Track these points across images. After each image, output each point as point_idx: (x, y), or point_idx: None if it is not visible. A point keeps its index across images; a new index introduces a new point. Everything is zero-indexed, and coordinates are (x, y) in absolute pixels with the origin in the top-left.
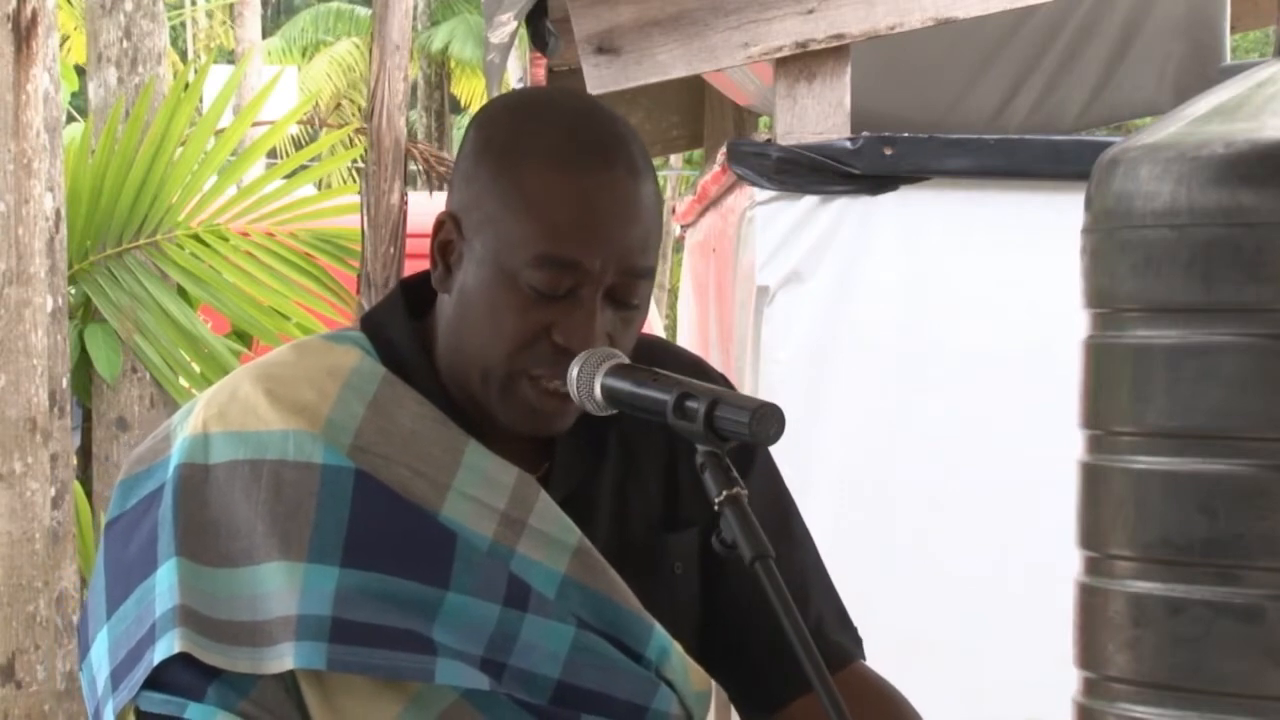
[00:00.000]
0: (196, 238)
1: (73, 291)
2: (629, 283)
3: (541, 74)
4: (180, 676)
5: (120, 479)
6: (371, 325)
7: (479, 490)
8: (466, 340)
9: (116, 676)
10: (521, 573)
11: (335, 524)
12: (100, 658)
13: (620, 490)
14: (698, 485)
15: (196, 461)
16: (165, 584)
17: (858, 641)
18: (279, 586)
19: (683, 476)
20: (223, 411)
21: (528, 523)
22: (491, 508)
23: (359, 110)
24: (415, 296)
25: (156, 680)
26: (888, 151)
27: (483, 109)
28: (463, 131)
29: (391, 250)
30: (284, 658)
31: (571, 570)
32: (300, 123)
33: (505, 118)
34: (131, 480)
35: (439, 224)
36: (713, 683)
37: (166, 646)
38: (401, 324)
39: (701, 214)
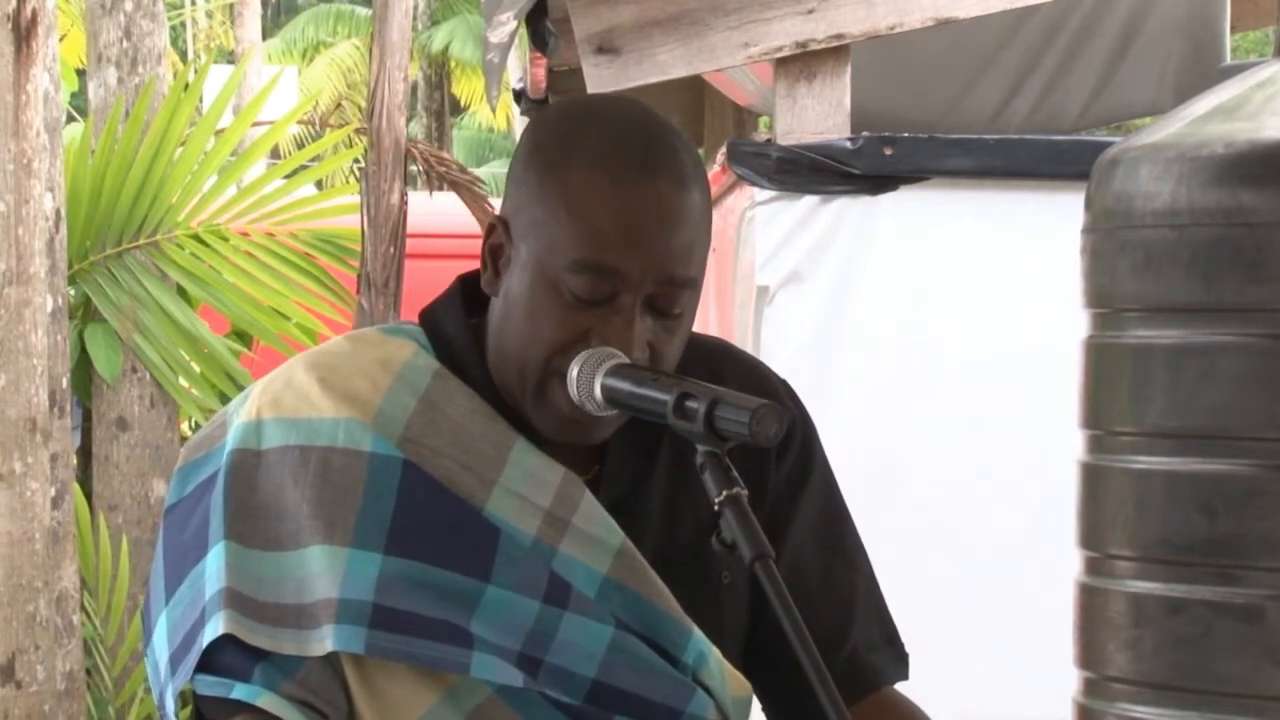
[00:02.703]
0: (196, 238)
1: (73, 291)
2: (670, 292)
3: (541, 74)
4: (229, 658)
5: (178, 466)
6: (429, 320)
7: (524, 488)
8: (508, 342)
9: (174, 660)
10: (563, 571)
11: (381, 511)
12: (160, 643)
13: (671, 498)
14: (750, 495)
15: (249, 447)
16: (214, 568)
17: (900, 660)
18: (322, 570)
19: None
20: (276, 399)
21: (571, 522)
22: (536, 505)
23: (360, 110)
24: (474, 293)
25: (208, 662)
26: (888, 151)
27: (538, 115)
28: (463, 132)
29: (391, 250)
30: (325, 640)
31: (613, 571)
32: (301, 123)
33: (557, 123)
34: (188, 467)
35: (490, 227)
36: None
37: (213, 629)
38: (457, 320)
39: None
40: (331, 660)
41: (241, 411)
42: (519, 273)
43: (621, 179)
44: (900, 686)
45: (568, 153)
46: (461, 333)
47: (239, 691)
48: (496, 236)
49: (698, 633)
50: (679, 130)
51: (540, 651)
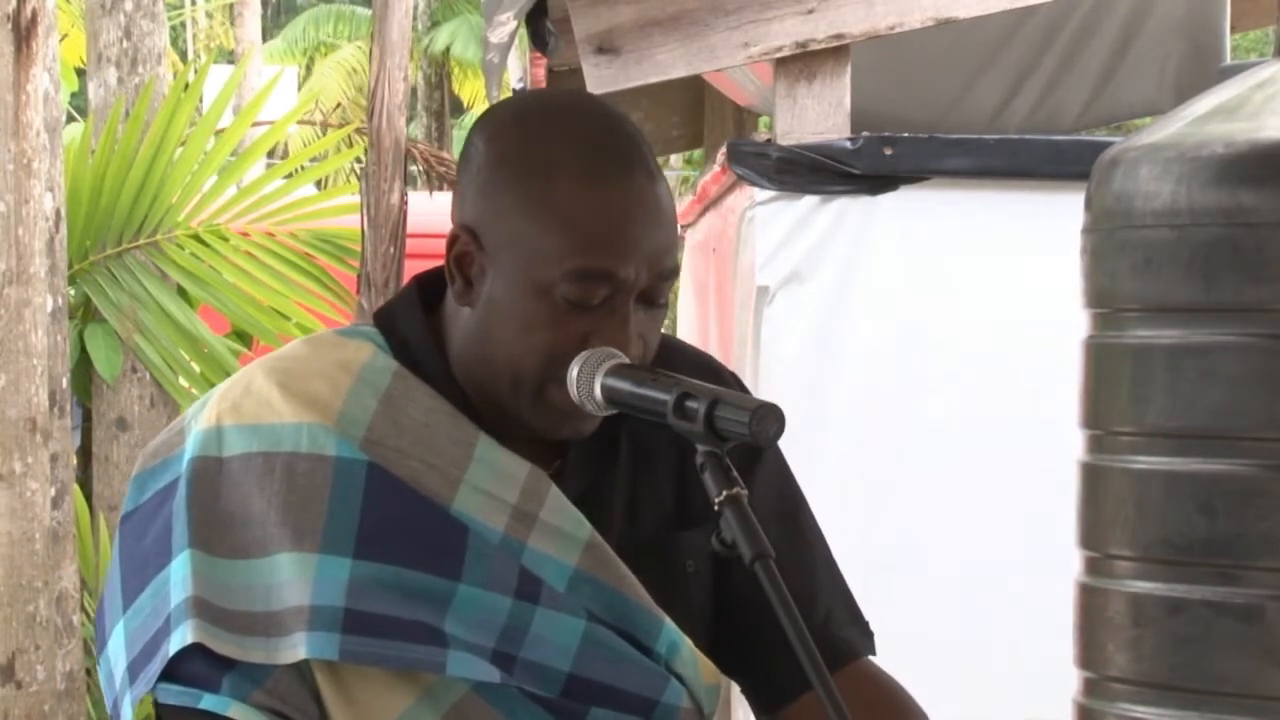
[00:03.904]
0: (196, 238)
1: (73, 291)
2: (658, 285)
3: (541, 74)
4: (195, 667)
5: (135, 473)
6: (385, 320)
7: (490, 484)
8: (497, 352)
9: (134, 669)
10: (533, 566)
11: (348, 515)
12: (117, 650)
13: (633, 488)
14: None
15: (210, 454)
16: (179, 576)
17: (867, 635)
18: (292, 577)
19: (693, 474)
20: (236, 405)
21: (539, 516)
22: (503, 501)
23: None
24: (429, 291)
25: (172, 672)
26: (888, 151)
27: (488, 119)
28: (463, 132)
29: (391, 250)
30: (297, 648)
31: (582, 564)
32: (302, 122)
33: (518, 129)
34: (146, 474)
35: (453, 238)
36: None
37: (180, 638)
38: (416, 319)
39: (701, 214)
40: (300, 667)
41: (200, 418)
42: (502, 283)
43: (603, 183)
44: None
45: (540, 161)
46: (419, 332)
47: (207, 702)
48: (462, 246)
49: (669, 622)
50: (630, 119)
51: (514, 648)
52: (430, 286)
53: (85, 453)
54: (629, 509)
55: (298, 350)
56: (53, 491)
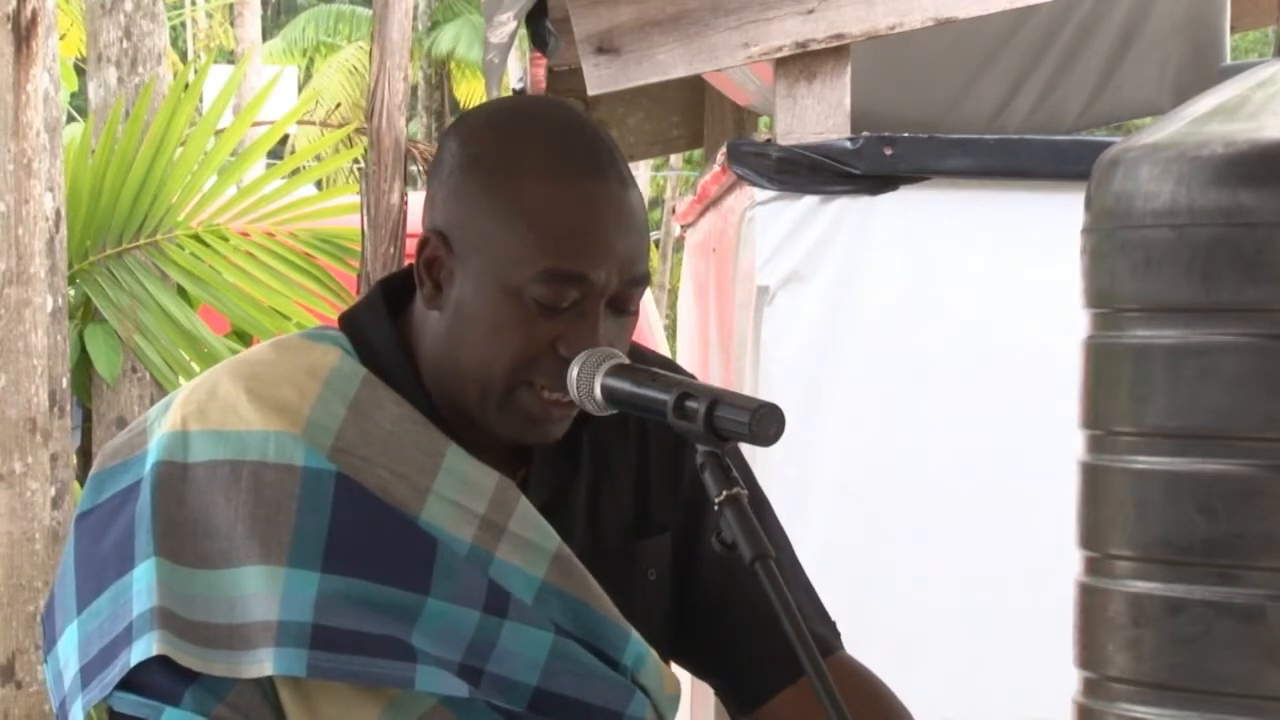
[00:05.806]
0: (196, 238)
1: (73, 291)
2: (628, 291)
3: (541, 74)
4: (156, 679)
5: (94, 471)
6: (351, 325)
7: (459, 494)
8: (465, 356)
9: (87, 673)
10: (500, 578)
11: (316, 528)
12: (69, 651)
13: (594, 496)
14: (668, 490)
15: (175, 460)
16: (143, 584)
17: (835, 631)
18: (259, 590)
19: (653, 481)
20: (202, 409)
21: (507, 528)
22: (471, 512)
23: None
24: (394, 295)
25: (131, 681)
26: (888, 151)
27: (460, 123)
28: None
29: (391, 250)
30: (263, 663)
31: (550, 576)
32: (304, 122)
33: (490, 133)
34: (106, 474)
35: (423, 242)
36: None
37: (145, 648)
38: (382, 324)
39: (701, 214)
40: (261, 681)
41: (164, 421)
42: (471, 286)
43: (574, 185)
44: (900, 685)
45: (512, 163)
46: (386, 337)
47: (169, 716)
48: (431, 250)
49: (635, 634)
50: (602, 125)
51: (481, 662)
52: (395, 290)
53: (85, 453)
54: (591, 516)
55: (264, 354)
56: (53, 491)
